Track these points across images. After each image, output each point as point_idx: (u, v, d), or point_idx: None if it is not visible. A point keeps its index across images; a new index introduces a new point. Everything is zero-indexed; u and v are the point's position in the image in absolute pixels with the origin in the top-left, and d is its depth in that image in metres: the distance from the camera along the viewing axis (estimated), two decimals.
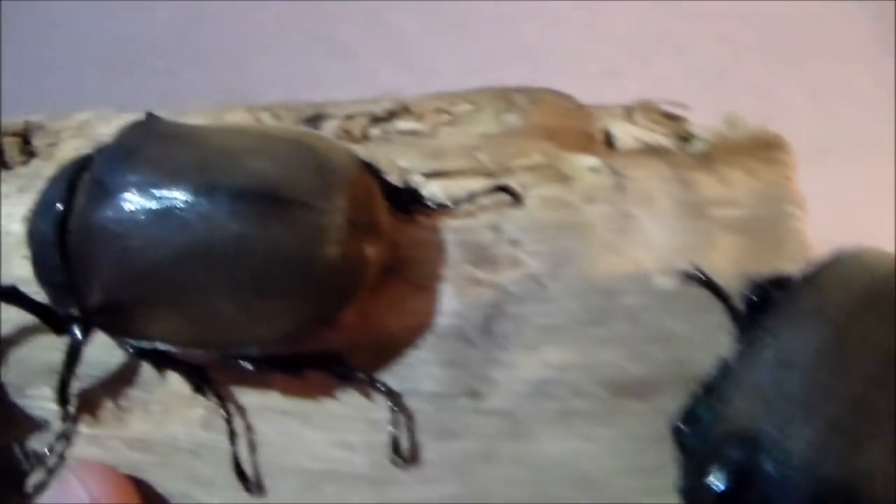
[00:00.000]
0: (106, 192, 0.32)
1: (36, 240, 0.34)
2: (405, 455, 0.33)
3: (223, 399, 0.35)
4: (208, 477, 0.35)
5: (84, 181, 0.34)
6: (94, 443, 0.37)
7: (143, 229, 0.32)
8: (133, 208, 0.32)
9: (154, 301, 0.32)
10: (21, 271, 0.37)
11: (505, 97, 0.38)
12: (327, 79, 0.57)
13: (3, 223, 0.40)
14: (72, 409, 0.36)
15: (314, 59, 0.56)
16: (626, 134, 0.37)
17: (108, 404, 0.36)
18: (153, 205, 0.32)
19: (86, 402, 0.37)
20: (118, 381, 0.36)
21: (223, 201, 0.31)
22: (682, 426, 0.29)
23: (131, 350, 0.34)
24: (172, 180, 0.32)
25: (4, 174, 0.42)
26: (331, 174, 0.32)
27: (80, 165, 0.34)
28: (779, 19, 0.55)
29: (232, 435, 0.34)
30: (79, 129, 0.43)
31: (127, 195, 0.32)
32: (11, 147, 0.43)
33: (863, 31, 0.57)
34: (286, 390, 0.34)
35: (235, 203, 0.31)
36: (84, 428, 0.37)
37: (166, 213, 0.31)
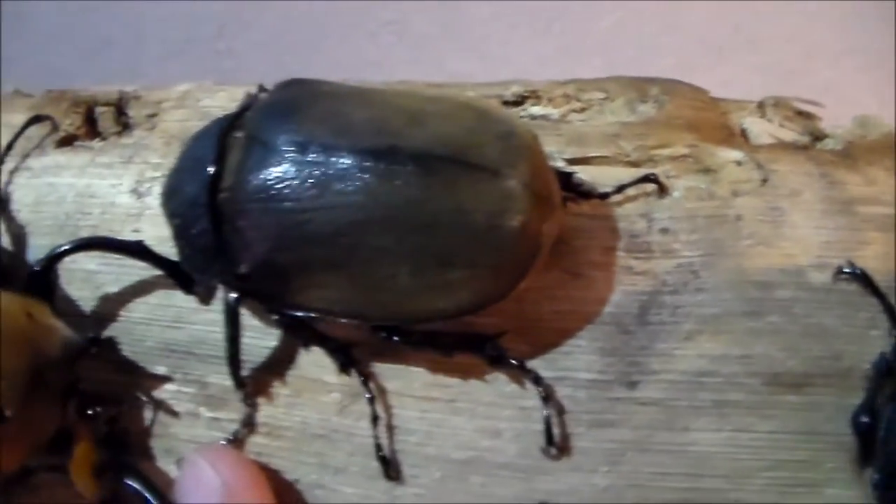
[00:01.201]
0: (268, 151, 0.31)
1: (182, 202, 0.33)
2: (557, 444, 0.33)
3: (367, 381, 0.34)
4: (341, 463, 0.34)
5: (236, 140, 0.32)
6: (217, 427, 0.36)
7: (311, 190, 0.30)
8: (301, 168, 0.30)
9: (320, 266, 0.31)
10: None
11: (637, 87, 0.38)
12: (392, 64, 0.56)
13: (109, 195, 0.39)
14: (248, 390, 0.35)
15: (381, 44, 0.55)
16: (761, 130, 0.37)
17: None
18: (324, 165, 0.30)
19: (210, 384, 0.36)
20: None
21: (405, 163, 0.30)
22: (866, 419, 0.29)
23: (279, 321, 0.33)
24: (345, 139, 0.30)
25: (105, 145, 0.41)
26: (515, 142, 0.31)
27: (228, 125, 0.33)
28: (850, 18, 0.56)
29: (375, 419, 0.33)
30: (180, 101, 0.41)
31: (293, 154, 0.31)
32: (105, 117, 0.42)
33: None
34: (430, 375, 0.34)
35: (419, 166, 0.30)
36: (206, 411, 0.36)
37: (339, 174, 0.30)
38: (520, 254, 0.31)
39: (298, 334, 0.34)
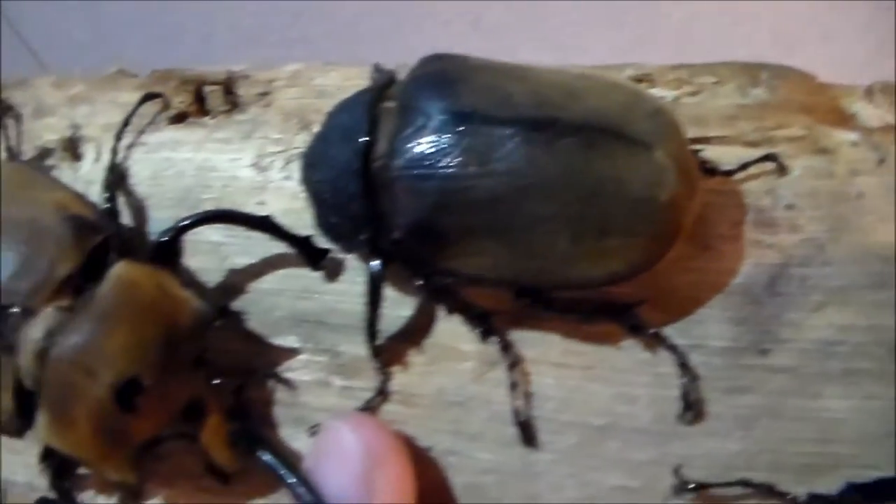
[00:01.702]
0: (426, 119, 0.32)
1: (330, 171, 0.34)
2: (693, 410, 0.34)
3: (507, 349, 0.35)
4: (476, 431, 0.35)
5: (387, 110, 0.33)
6: (349, 395, 0.36)
7: (471, 159, 0.31)
8: (461, 137, 0.31)
9: (477, 232, 0.32)
10: None
11: (748, 72, 0.39)
12: (466, 53, 0.56)
13: (230, 168, 0.40)
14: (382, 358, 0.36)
15: (455, 33, 0.56)
16: (871, 113, 0.38)
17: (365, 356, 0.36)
18: (485, 134, 0.31)
19: (342, 353, 0.37)
20: (360, 328, 0.36)
21: (566, 135, 0.31)
22: None
23: (423, 287, 0.34)
24: (506, 110, 0.32)
25: (220, 121, 0.41)
26: (664, 119, 0.33)
27: (376, 96, 0.34)
28: None
29: (513, 386, 0.34)
30: (292, 79, 0.42)
31: (453, 123, 0.32)
32: (214, 96, 0.42)
33: None
34: (567, 343, 0.35)
35: (580, 138, 0.31)
36: (338, 380, 0.37)
37: (500, 143, 0.31)
38: (669, 225, 0.32)
39: (442, 301, 0.35)
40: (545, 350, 0.35)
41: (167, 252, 0.37)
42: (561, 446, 0.34)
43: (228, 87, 0.42)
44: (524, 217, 0.31)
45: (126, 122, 0.42)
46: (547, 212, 0.31)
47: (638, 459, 0.34)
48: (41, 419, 0.34)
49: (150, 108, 0.42)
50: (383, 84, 0.35)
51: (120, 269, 0.34)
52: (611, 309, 0.34)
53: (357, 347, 0.36)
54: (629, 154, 0.32)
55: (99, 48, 0.58)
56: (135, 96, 0.43)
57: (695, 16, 0.56)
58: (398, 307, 0.36)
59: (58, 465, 0.37)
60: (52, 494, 0.39)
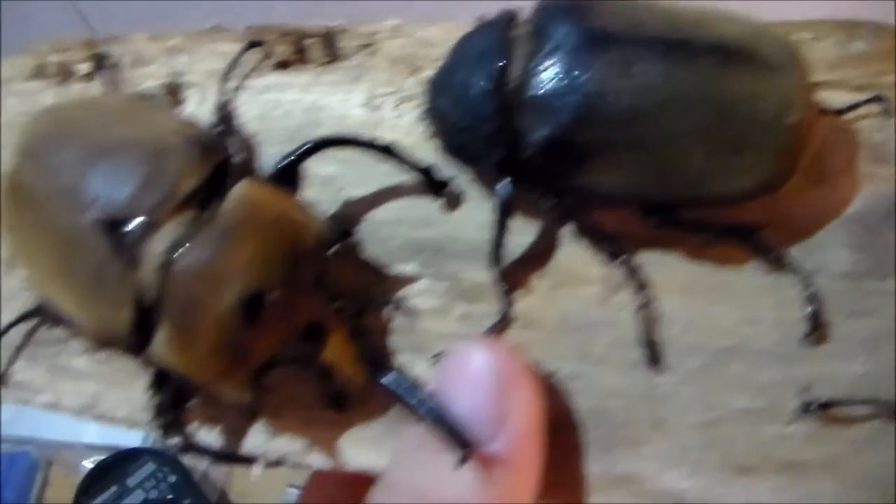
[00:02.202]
0: (562, 41, 0.33)
1: (462, 94, 0.35)
2: (817, 332, 0.34)
3: (633, 272, 0.35)
4: (601, 354, 0.35)
5: (519, 35, 0.34)
6: (469, 321, 0.37)
7: (607, 77, 0.32)
8: (597, 56, 0.33)
9: (613, 148, 0.33)
10: None
11: (845, 29, 0.41)
12: None
13: (340, 108, 0.40)
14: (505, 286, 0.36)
15: None
16: None
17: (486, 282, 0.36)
18: (620, 52, 0.33)
19: (463, 279, 0.37)
20: (481, 255, 0.36)
21: (703, 55, 0.33)
22: None
23: (553, 207, 0.35)
24: (642, 32, 0.33)
25: (326, 68, 0.42)
26: (790, 48, 0.34)
27: (505, 23, 0.35)
28: None
29: (639, 309, 0.35)
30: (394, 32, 0.43)
31: (588, 43, 0.33)
32: (314, 48, 0.43)
33: None
34: (692, 266, 0.35)
35: (716, 57, 0.33)
36: (459, 307, 0.37)
37: (636, 61, 0.32)
38: (797, 146, 0.33)
39: (568, 224, 0.35)
40: (670, 274, 0.35)
41: (288, 177, 0.37)
42: (686, 368, 0.35)
43: (329, 39, 0.43)
44: (661, 132, 0.33)
45: (232, 67, 0.42)
46: (683, 128, 0.33)
47: (762, 381, 0.34)
48: (159, 336, 0.34)
49: (252, 57, 0.43)
50: (510, 15, 0.36)
51: (244, 187, 0.35)
52: (737, 231, 0.35)
53: (478, 274, 0.36)
54: (762, 76, 0.33)
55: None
56: (234, 47, 0.43)
57: None
58: (521, 233, 0.36)
59: (169, 393, 0.37)
60: (156, 426, 0.38)
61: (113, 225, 0.34)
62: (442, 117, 0.36)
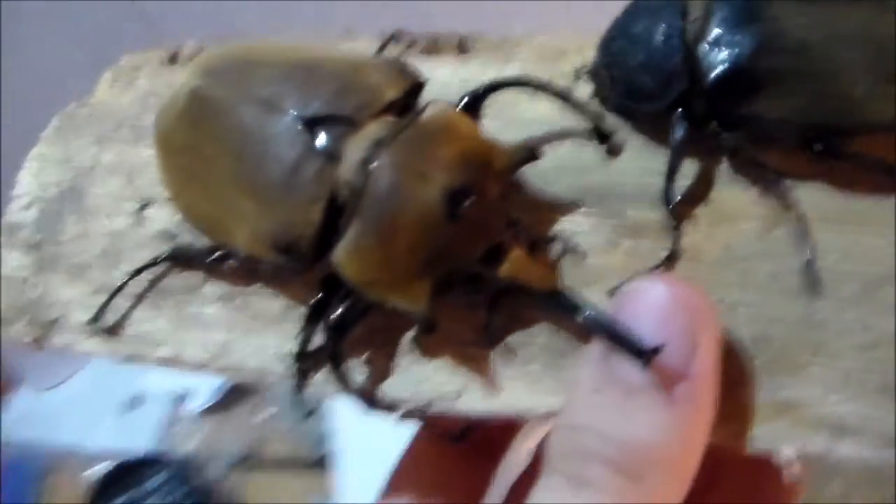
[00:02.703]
0: None
1: (650, 31, 0.37)
2: None
3: (791, 206, 0.37)
4: (762, 283, 0.37)
5: None
6: (636, 256, 0.38)
7: (782, 11, 0.36)
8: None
9: (786, 77, 0.36)
10: None
11: None
12: None
13: None
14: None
15: None
16: None
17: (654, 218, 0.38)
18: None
19: (629, 216, 0.38)
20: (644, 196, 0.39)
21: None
22: None
23: (718, 143, 0.37)
24: None
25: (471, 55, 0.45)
26: None
27: None
28: None
29: (799, 238, 0.37)
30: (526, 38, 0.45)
31: None
32: (446, 50, 0.45)
33: None
34: (847, 199, 0.38)
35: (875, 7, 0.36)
36: (626, 241, 0.39)
37: (808, 4, 0.36)
38: None
39: (736, 158, 0.37)
40: (825, 207, 0.38)
41: (472, 110, 0.39)
42: (842, 295, 0.37)
43: (462, 44, 0.45)
44: (827, 64, 0.36)
45: (379, 51, 0.44)
46: (846, 60, 0.36)
47: None
48: (348, 238, 0.35)
49: (395, 48, 0.45)
50: None
51: (440, 105, 0.36)
52: (887, 165, 0.37)
53: (642, 213, 0.39)
54: None
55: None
56: (370, 46, 0.45)
57: None
58: (684, 172, 0.38)
59: (334, 322, 0.37)
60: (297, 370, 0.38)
61: (315, 122, 0.35)
62: (621, 62, 0.38)
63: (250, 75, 0.38)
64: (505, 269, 0.35)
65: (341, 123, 0.35)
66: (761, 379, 0.37)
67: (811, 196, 0.38)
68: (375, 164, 0.34)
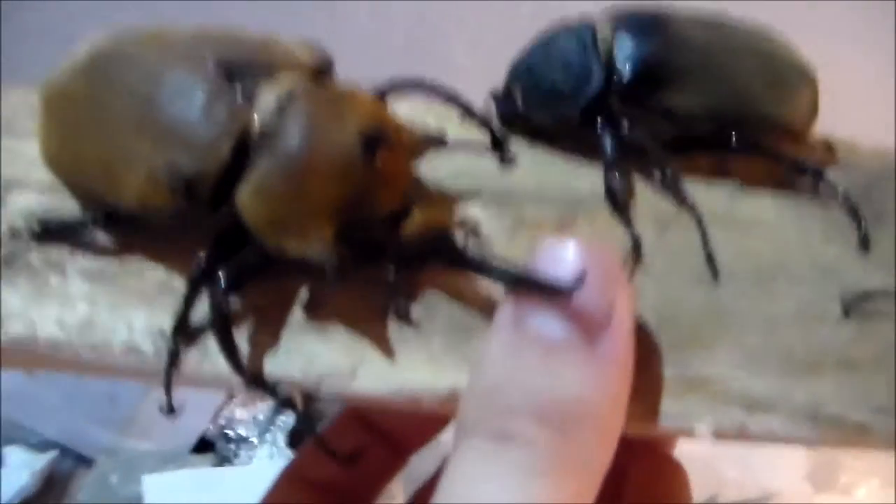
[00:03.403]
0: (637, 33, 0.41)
1: (561, 45, 0.41)
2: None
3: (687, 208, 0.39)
4: (659, 273, 0.38)
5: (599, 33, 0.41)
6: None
7: (682, 26, 0.41)
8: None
9: (692, 73, 0.40)
10: None
11: None
12: None
13: None
14: None
15: None
16: None
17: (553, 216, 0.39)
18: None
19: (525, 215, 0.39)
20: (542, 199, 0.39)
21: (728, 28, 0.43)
22: None
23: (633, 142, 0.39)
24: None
25: None
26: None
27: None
28: None
29: (701, 234, 0.38)
30: None
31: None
32: None
33: None
34: (725, 204, 0.40)
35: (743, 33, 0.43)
36: (523, 232, 0.38)
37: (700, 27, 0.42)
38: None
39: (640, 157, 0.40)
40: (714, 210, 0.39)
41: None
42: (739, 284, 0.38)
43: None
44: (727, 64, 0.41)
45: None
46: (742, 63, 0.42)
47: (804, 292, 0.38)
48: (254, 178, 0.33)
49: None
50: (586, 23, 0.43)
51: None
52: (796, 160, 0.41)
53: (541, 211, 0.39)
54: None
55: None
56: None
57: None
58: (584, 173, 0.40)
59: (225, 279, 0.34)
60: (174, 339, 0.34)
61: (230, 69, 0.34)
62: (537, 74, 0.41)
63: (164, 35, 0.37)
64: (408, 228, 0.34)
65: (257, 73, 0.35)
66: (669, 356, 0.36)
67: (702, 200, 0.39)
68: (291, 107, 0.34)
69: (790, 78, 0.43)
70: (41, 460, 0.98)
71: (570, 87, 0.40)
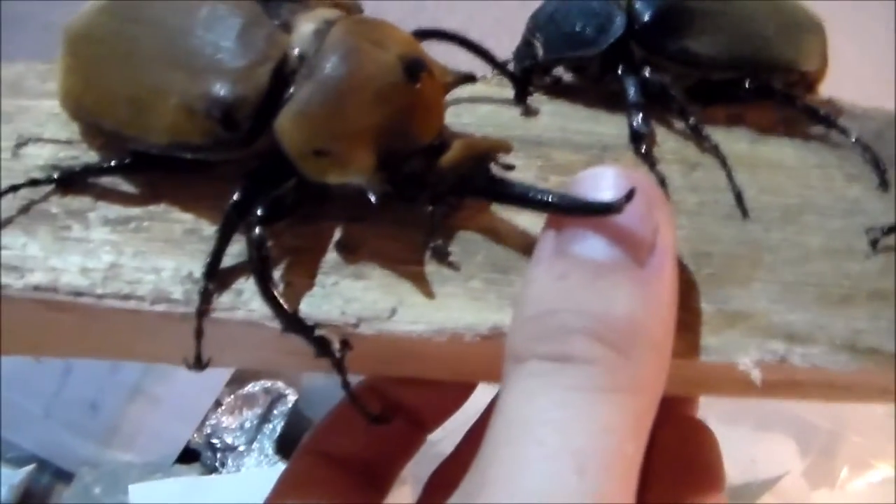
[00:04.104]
0: None
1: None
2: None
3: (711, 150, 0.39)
4: (691, 210, 0.38)
5: None
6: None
7: None
8: None
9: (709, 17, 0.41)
10: None
11: None
12: None
13: None
14: None
15: None
16: None
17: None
18: None
19: (554, 158, 0.39)
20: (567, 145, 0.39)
21: None
22: None
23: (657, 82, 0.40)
24: None
25: None
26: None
27: None
28: None
29: (726, 175, 0.38)
30: None
31: None
32: None
33: None
34: (748, 146, 0.41)
35: None
36: (553, 178, 0.38)
37: None
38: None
39: (664, 102, 0.40)
40: (738, 152, 0.40)
41: None
42: (769, 219, 0.38)
43: None
44: (743, 8, 0.42)
45: None
46: (756, 7, 0.42)
47: (833, 227, 0.38)
48: (294, 104, 0.33)
49: None
50: None
51: None
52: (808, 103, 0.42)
53: (566, 155, 0.39)
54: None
55: None
56: None
57: None
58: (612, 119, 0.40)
59: (262, 215, 0.33)
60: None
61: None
62: (560, 20, 0.41)
63: None
64: (448, 158, 0.33)
65: (292, 2, 0.35)
66: (708, 291, 0.35)
67: (725, 144, 0.40)
68: (330, 33, 0.33)
69: (801, 24, 0.44)
70: (17, 475, 0.95)
71: (591, 33, 0.40)
